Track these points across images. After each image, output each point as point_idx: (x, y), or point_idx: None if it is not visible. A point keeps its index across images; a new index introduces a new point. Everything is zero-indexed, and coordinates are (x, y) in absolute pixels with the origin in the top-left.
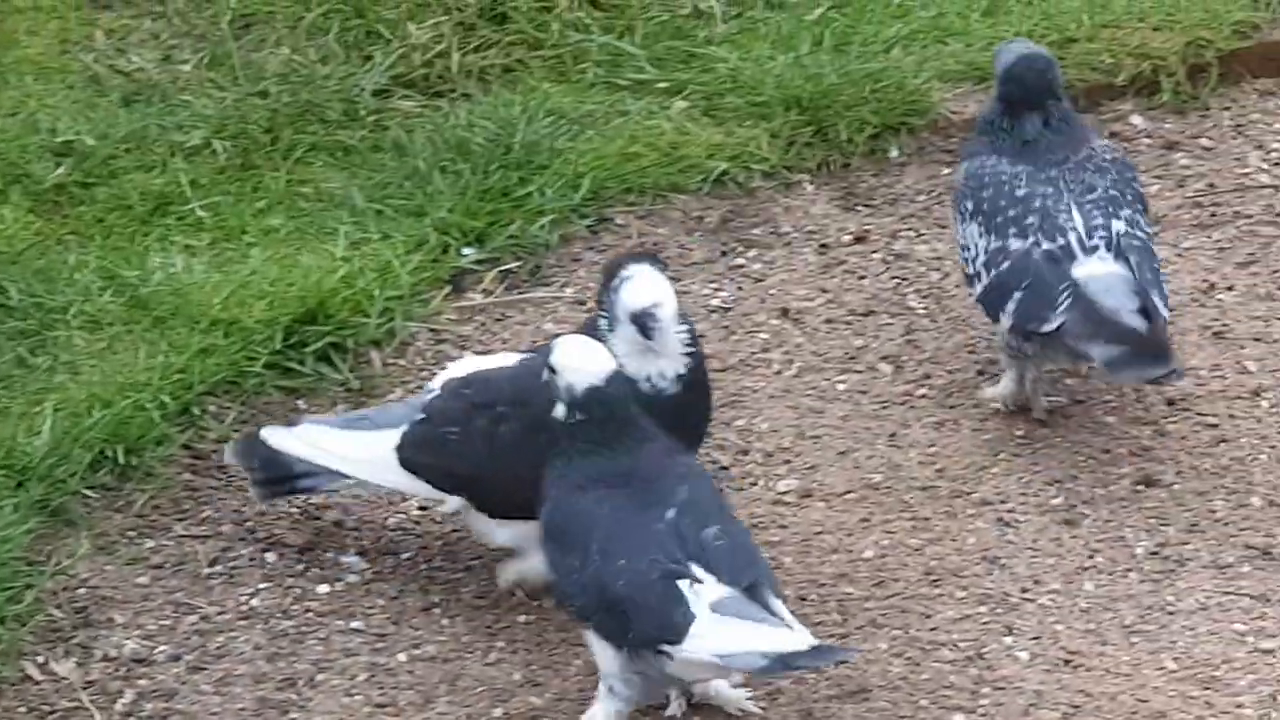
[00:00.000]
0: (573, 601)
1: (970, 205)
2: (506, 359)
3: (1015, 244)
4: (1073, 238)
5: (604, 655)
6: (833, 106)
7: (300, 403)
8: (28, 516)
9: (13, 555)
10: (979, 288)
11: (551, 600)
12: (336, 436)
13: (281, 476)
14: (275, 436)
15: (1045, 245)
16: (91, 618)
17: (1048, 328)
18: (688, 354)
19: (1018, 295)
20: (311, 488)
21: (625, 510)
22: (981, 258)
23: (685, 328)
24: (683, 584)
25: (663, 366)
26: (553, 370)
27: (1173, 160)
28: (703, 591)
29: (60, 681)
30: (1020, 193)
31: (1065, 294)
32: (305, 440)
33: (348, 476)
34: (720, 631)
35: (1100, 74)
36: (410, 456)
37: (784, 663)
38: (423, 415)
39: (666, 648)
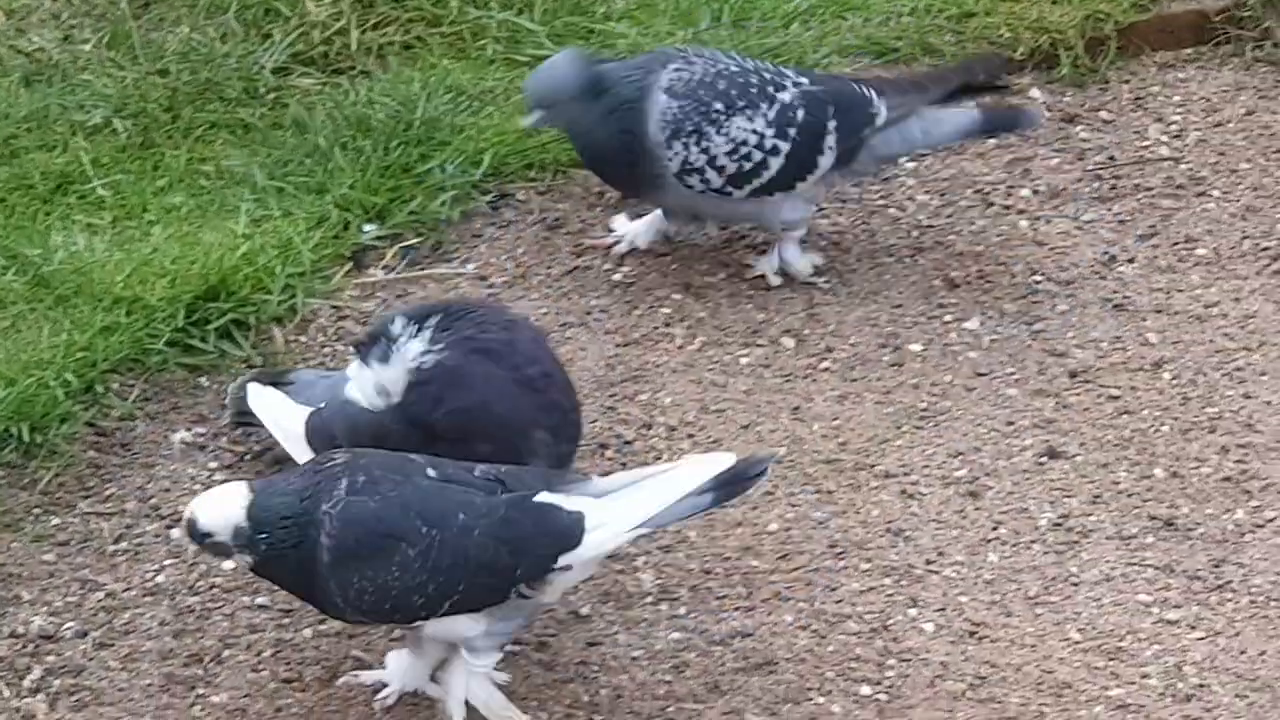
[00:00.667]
0: (424, 593)
1: (719, 106)
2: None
3: (784, 95)
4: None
5: (459, 628)
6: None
7: (203, 380)
8: None
9: None
10: (781, 155)
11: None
12: (282, 402)
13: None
14: (253, 392)
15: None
16: None
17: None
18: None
19: (832, 122)
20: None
21: (418, 494)
22: (769, 130)
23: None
24: (538, 497)
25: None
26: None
27: (1072, 133)
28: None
29: None
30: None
31: (869, 88)
32: (261, 401)
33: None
34: (617, 508)
35: (999, 48)
36: (311, 440)
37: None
38: (321, 404)
39: (565, 558)
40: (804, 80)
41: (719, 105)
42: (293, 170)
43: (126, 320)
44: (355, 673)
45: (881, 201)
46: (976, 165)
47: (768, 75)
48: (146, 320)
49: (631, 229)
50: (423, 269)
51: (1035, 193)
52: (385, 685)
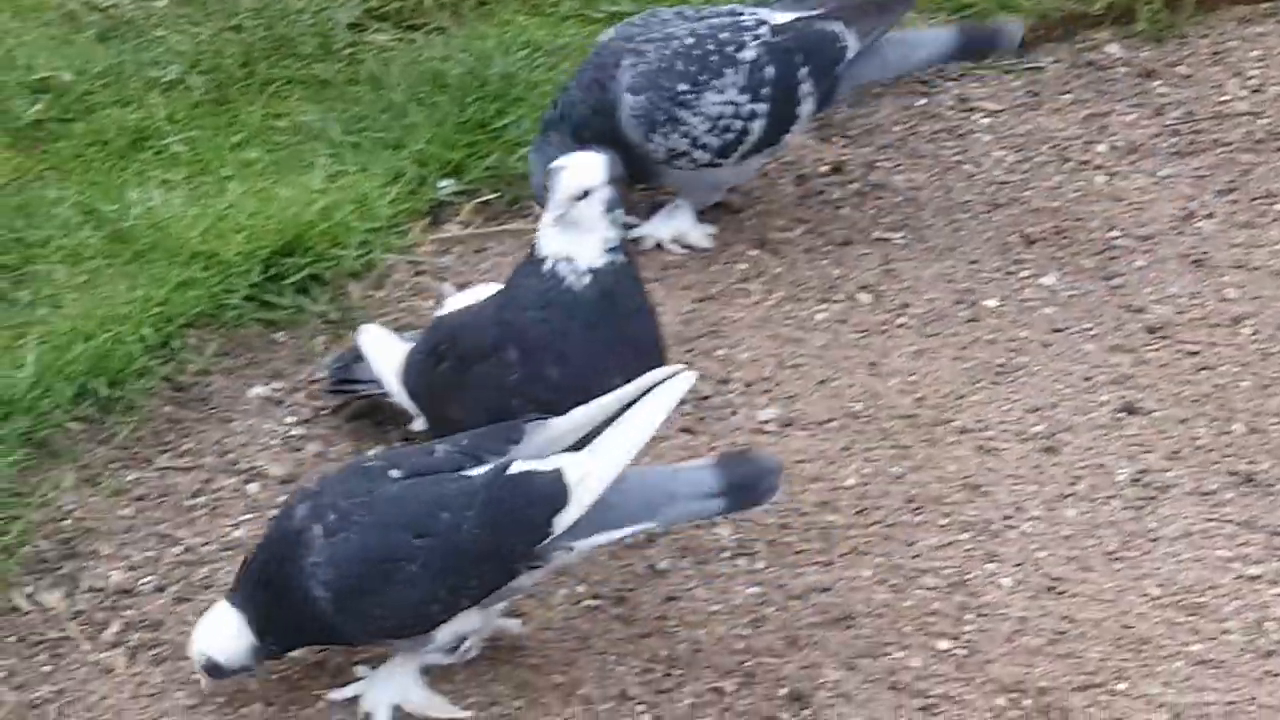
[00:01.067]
0: (437, 599)
1: (684, 88)
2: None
3: (747, 54)
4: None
5: (471, 622)
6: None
7: (279, 335)
8: (13, 449)
9: None
10: (761, 117)
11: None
12: (388, 339)
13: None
14: (364, 331)
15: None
16: (77, 549)
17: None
18: (610, 252)
19: (804, 69)
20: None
21: (393, 507)
22: (743, 97)
23: (615, 230)
24: (512, 469)
25: (576, 251)
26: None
27: (1150, 89)
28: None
29: (48, 612)
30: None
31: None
32: (369, 338)
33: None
34: (597, 456)
35: (1076, 2)
36: (405, 375)
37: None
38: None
39: (558, 520)
40: (763, 25)
41: (683, 86)
42: (368, 125)
43: (203, 275)
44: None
45: (958, 158)
46: (1053, 121)
47: (725, 36)
48: (223, 275)
49: (648, 227)
50: (499, 224)
51: (1113, 148)
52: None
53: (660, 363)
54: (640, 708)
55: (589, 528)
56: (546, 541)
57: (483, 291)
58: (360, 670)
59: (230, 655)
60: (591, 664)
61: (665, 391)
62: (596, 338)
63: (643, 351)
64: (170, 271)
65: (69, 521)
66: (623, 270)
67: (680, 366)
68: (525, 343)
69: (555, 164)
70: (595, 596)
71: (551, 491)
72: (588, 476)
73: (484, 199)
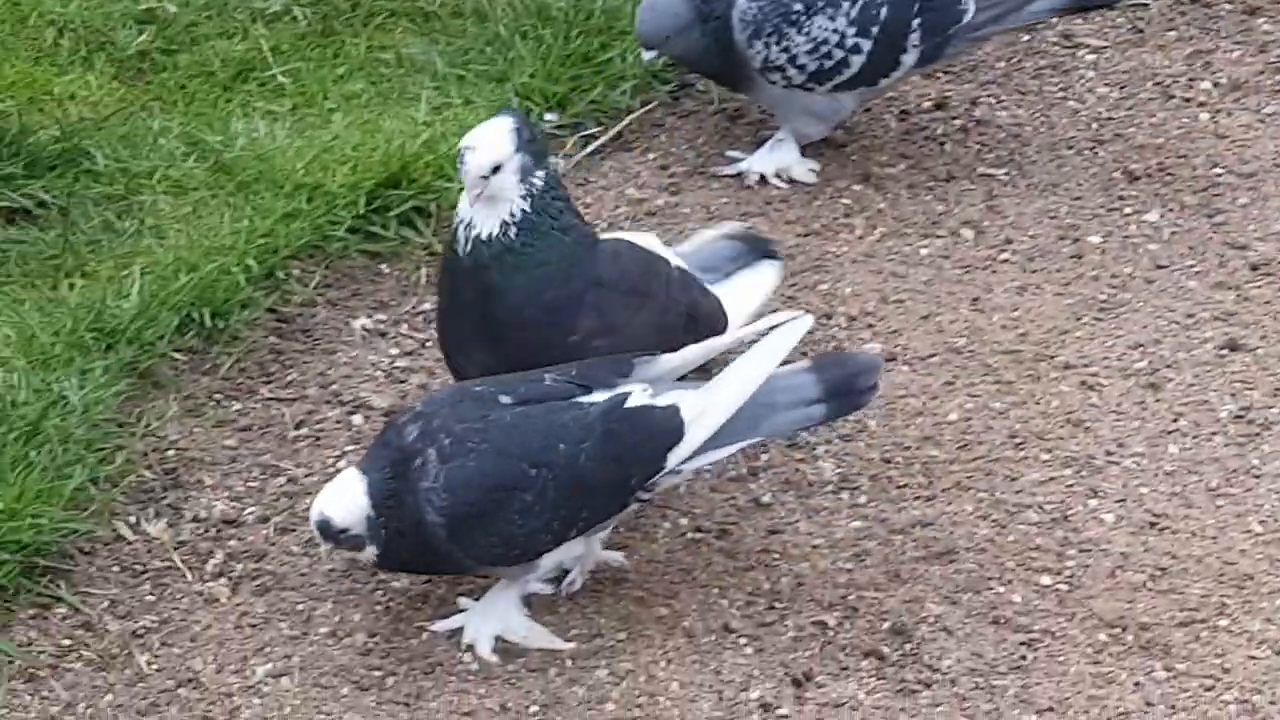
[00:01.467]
0: (550, 529)
1: (799, 7)
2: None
3: None
4: None
5: (575, 550)
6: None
7: (384, 266)
8: (118, 378)
9: (104, 417)
10: (863, 53)
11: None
12: None
13: None
14: None
15: None
16: (181, 479)
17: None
18: (505, 226)
19: (917, 20)
20: None
21: (510, 435)
22: (850, 29)
23: (523, 203)
24: (629, 402)
25: (480, 219)
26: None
27: (1255, 26)
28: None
29: (152, 542)
30: None
31: None
32: None
33: None
34: (712, 394)
35: None
36: None
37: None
38: None
39: (672, 455)
40: None
41: (798, 6)
42: (473, 58)
43: (308, 207)
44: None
45: (1061, 94)
46: (1157, 58)
47: None
48: (327, 207)
49: (753, 161)
50: (603, 158)
51: (1216, 85)
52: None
53: (508, 353)
54: (742, 640)
55: (696, 451)
56: (660, 475)
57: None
58: (463, 602)
59: (345, 517)
60: (694, 597)
61: (782, 334)
62: (453, 308)
63: (494, 338)
64: (275, 203)
65: (172, 452)
66: (511, 249)
67: (799, 312)
68: None
69: (463, 142)
70: (698, 529)
71: (668, 427)
72: (703, 414)
73: (588, 132)
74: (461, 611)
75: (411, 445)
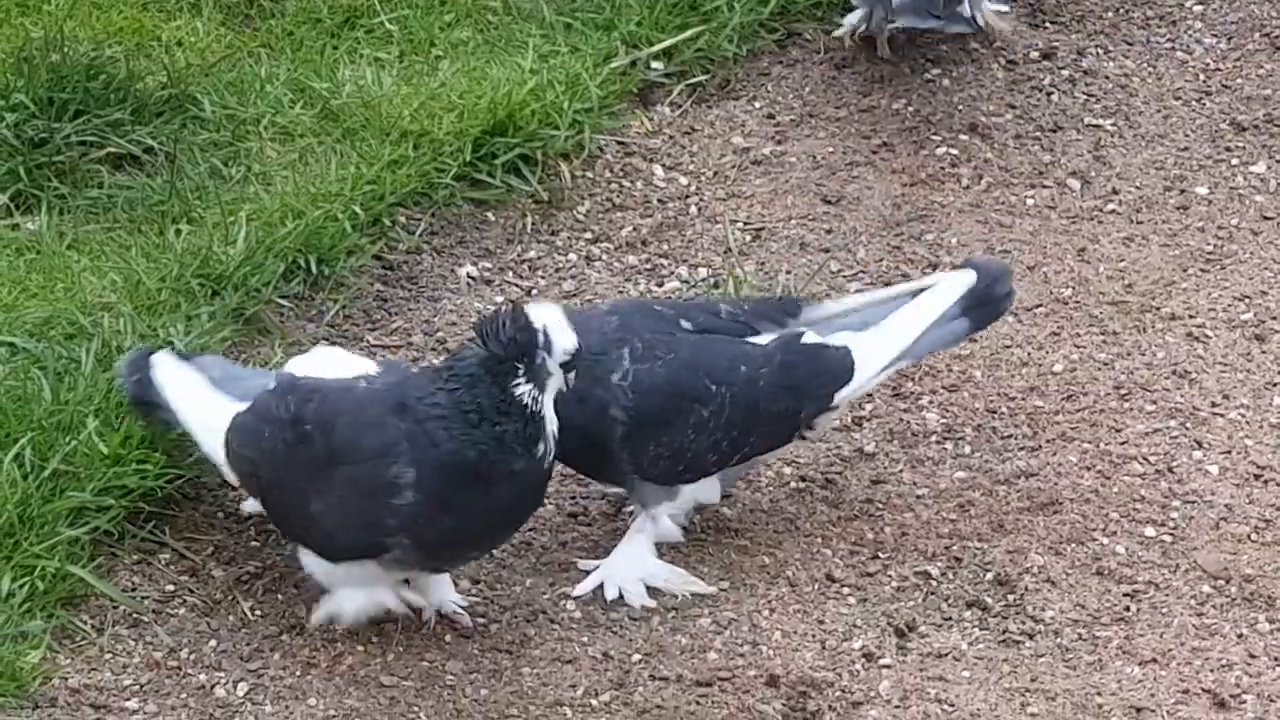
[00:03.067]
0: (718, 450)
1: None
2: (358, 366)
3: None
4: None
5: (713, 488)
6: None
7: (490, 215)
8: (223, 324)
9: None
10: None
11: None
12: (201, 391)
13: (147, 402)
14: (161, 364)
15: None
16: None
17: None
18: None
19: None
20: (169, 424)
21: (697, 352)
22: None
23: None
24: (805, 338)
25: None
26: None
27: None
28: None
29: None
30: None
31: None
32: (172, 383)
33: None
34: (878, 339)
35: None
36: (234, 439)
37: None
38: (249, 405)
39: (839, 395)
40: None
41: None
42: (580, 6)
43: (414, 154)
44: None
45: (1169, 44)
46: (1265, 9)
47: None
48: (434, 154)
49: (849, 20)
50: (709, 106)
51: None
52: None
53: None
54: (845, 590)
55: None
56: (826, 412)
57: (351, 363)
58: (585, 564)
59: (563, 339)
60: (797, 546)
61: (946, 285)
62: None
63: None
64: (381, 150)
65: None
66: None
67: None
68: (430, 467)
69: (539, 327)
70: (802, 479)
71: (840, 366)
72: (870, 357)
73: (694, 80)
74: (591, 571)
75: (607, 331)
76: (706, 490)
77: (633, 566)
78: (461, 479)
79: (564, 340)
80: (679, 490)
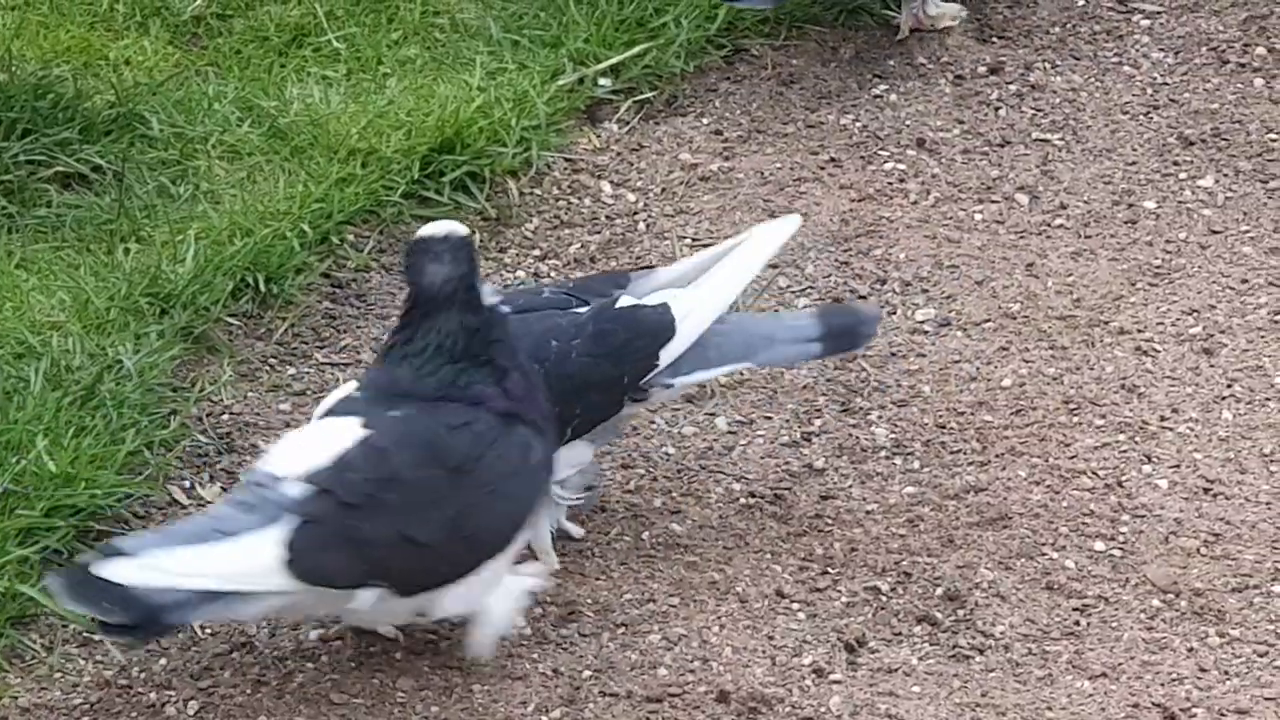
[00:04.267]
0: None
1: None
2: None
3: None
4: None
5: (583, 455)
6: None
7: None
8: (172, 343)
9: (159, 381)
10: None
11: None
12: (193, 554)
13: (149, 615)
14: (120, 571)
15: None
16: (235, 443)
17: None
18: None
19: None
20: (182, 623)
21: None
22: None
23: None
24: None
25: None
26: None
27: None
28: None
29: (206, 506)
30: None
31: None
32: (160, 568)
33: (225, 593)
34: (700, 294)
35: None
36: (304, 558)
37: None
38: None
39: (664, 353)
40: None
41: None
42: (527, 23)
43: (362, 172)
44: None
45: (1116, 59)
46: (1212, 23)
47: None
48: (382, 172)
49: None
50: (657, 123)
51: (1271, 51)
52: None
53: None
54: (795, 605)
55: (690, 365)
56: (652, 375)
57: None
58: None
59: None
60: (747, 562)
61: (770, 232)
62: None
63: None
64: (329, 168)
65: (227, 416)
66: None
67: (793, 218)
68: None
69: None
70: (751, 495)
71: (660, 324)
72: (692, 311)
73: (642, 97)
74: None
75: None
76: (575, 455)
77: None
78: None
79: None
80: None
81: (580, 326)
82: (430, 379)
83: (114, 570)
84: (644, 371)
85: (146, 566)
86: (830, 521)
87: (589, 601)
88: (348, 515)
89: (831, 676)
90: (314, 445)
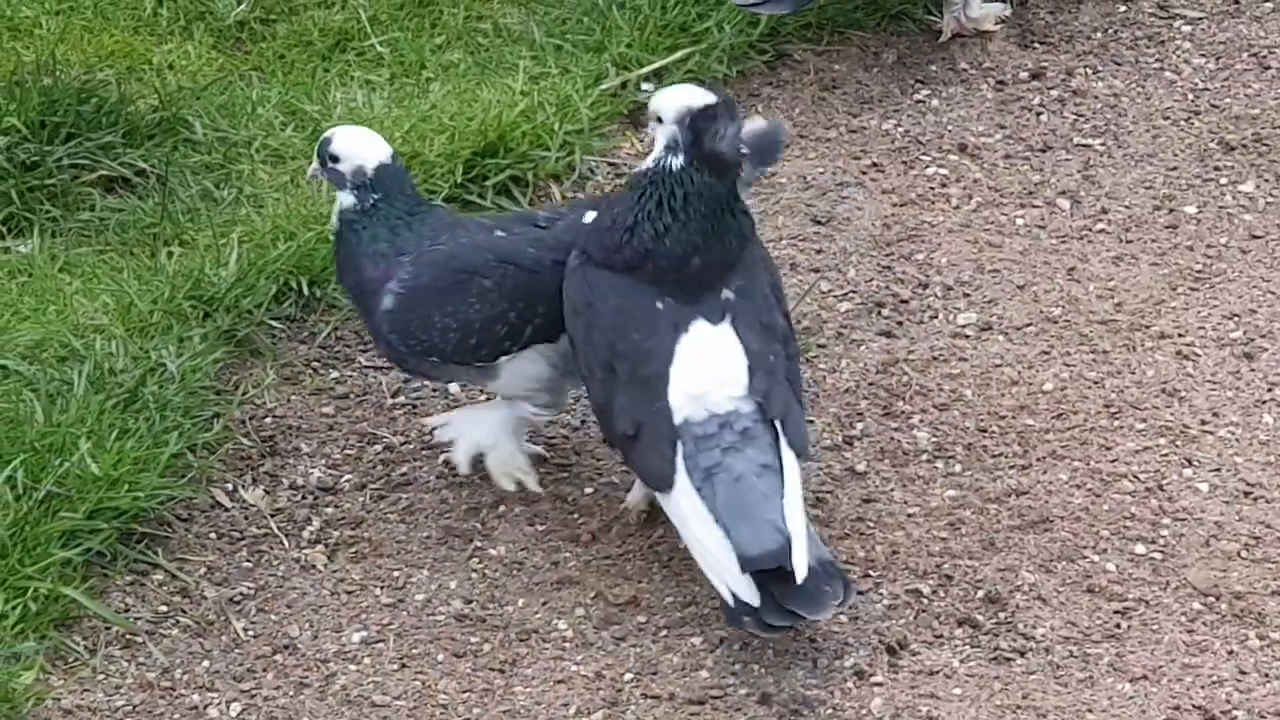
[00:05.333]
0: (506, 320)
1: None
2: None
3: None
4: None
5: (539, 369)
6: None
7: None
8: (215, 346)
9: (202, 384)
10: None
11: None
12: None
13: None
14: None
15: None
16: (278, 447)
17: None
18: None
19: None
20: None
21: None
22: None
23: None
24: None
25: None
26: (335, 159)
27: None
28: None
29: (249, 509)
30: None
31: None
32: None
33: None
34: None
35: None
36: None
37: None
38: None
39: None
40: None
41: None
42: (570, 28)
43: None
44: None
45: (1157, 64)
46: (1253, 29)
47: None
48: (425, 175)
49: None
50: None
51: None
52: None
53: None
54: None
55: None
56: None
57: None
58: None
59: (344, 148)
60: None
61: None
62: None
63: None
64: None
65: (270, 419)
66: None
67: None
68: None
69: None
70: None
71: None
72: None
73: None
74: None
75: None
76: (526, 369)
77: (472, 427)
78: None
79: None
80: (497, 368)
81: (557, 239)
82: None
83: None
84: None
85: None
86: (872, 525)
87: (631, 604)
88: None
89: (873, 679)
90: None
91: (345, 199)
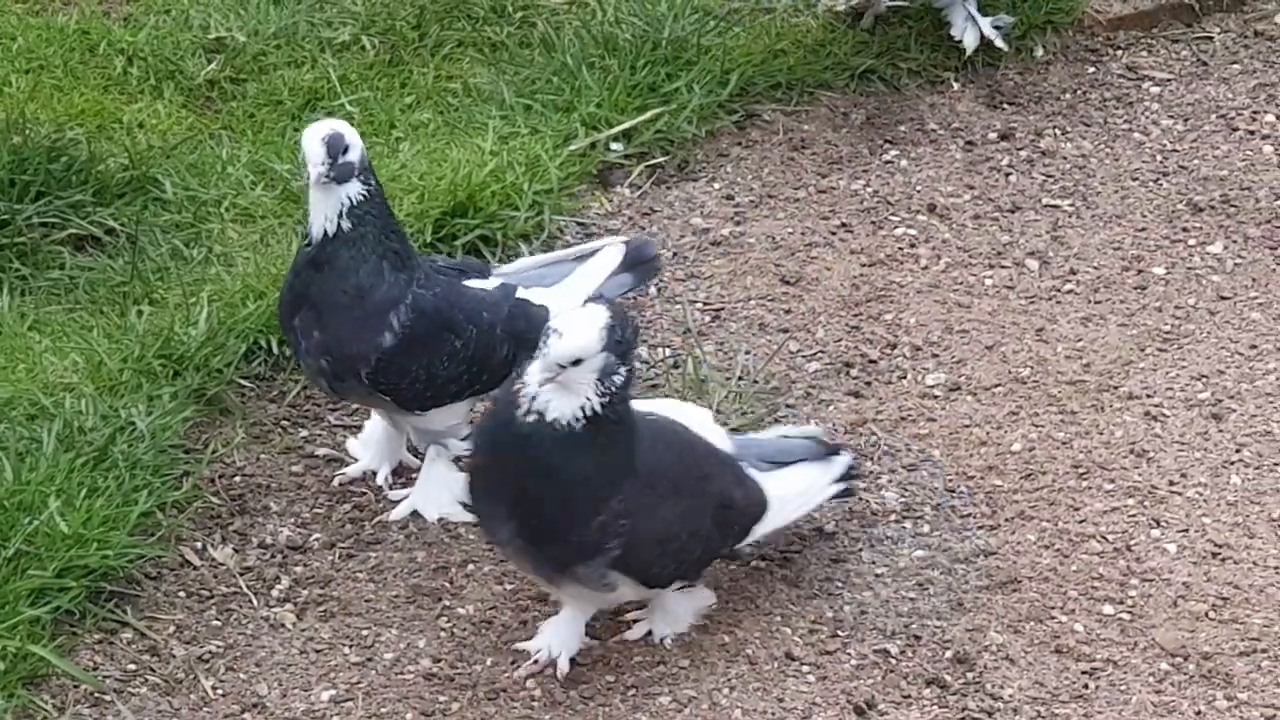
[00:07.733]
0: (459, 382)
1: None
2: None
3: None
4: None
5: (454, 417)
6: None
7: None
8: (185, 405)
9: (171, 443)
10: None
11: None
12: None
13: None
14: None
15: None
16: (248, 505)
17: None
18: (580, 416)
19: None
20: None
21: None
22: None
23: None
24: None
25: (550, 401)
26: (346, 150)
27: None
28: None
29: (218, 567)
30: None
31: None
32: None
33: None
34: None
35: None
36: None
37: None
38: None
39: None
40: None
41: None
42: (540, 88)
43: None
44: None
45: (1126, 125)
46: (1221, 90)
47: None
48: None
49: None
50: (668, 187)
51: (1279, 118)
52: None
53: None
54: (805, 668)
55: None
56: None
57: None
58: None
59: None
60: (757, 624)
61: (609, 250)
62: (489, 460)
63: (520, 505)
64: None
65: (239, 478)
66: (575, 437)
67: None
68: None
69: (552, 324)
70: (762, 558)
71: (540, 319)
72: (560, 311)
73: (654, 162)
74: (400, 501)
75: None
76: (448, 418)
77: (441, 488)
78: None
79: None
80: (428, 415)
81: (498, 304)
82: None
83: None
84: (528, 356)
85: None
86: (840, 585)
87: (599, 663)
88: None
89: None
90: None
91: (353, 191)
